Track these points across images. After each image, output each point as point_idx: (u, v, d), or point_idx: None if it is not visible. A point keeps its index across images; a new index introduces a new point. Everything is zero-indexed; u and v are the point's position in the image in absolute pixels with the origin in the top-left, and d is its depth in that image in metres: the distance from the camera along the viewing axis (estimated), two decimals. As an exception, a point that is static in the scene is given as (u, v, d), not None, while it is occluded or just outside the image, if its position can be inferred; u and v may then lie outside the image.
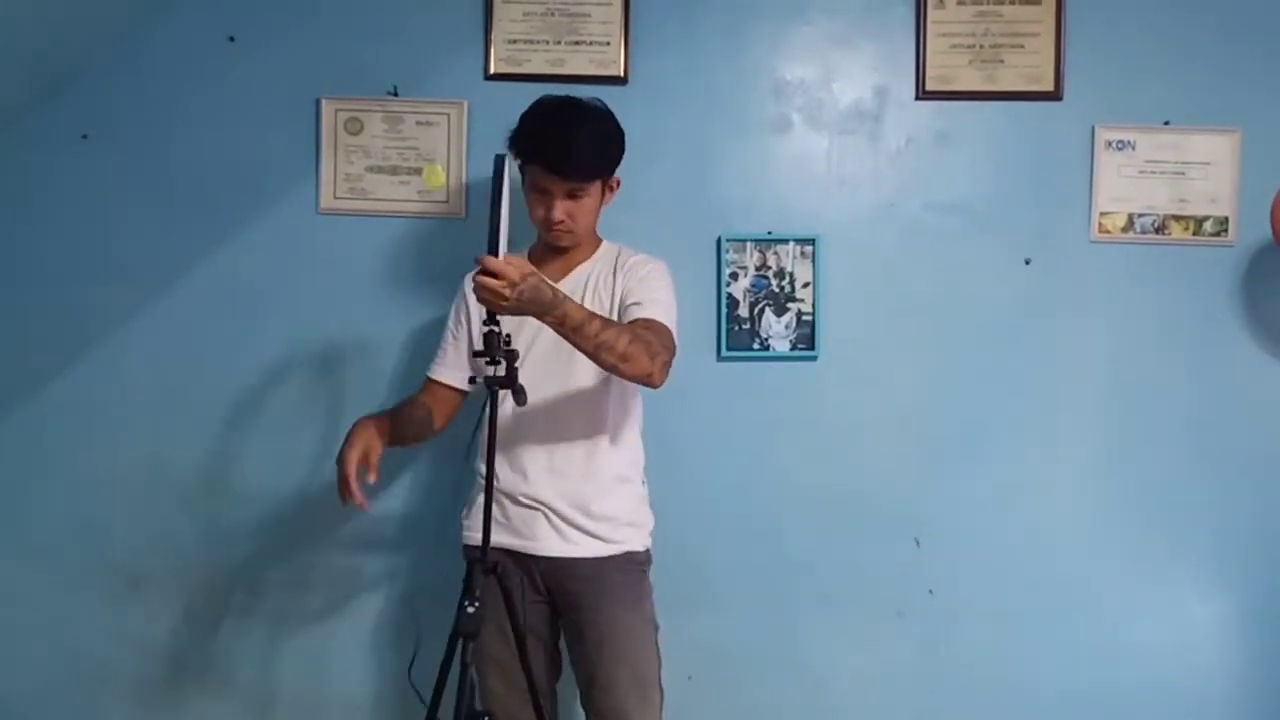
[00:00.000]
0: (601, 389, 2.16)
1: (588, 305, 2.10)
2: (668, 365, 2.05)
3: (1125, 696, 2.60)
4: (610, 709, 2.12)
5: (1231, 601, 2.61)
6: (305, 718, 2.61)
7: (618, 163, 2.19)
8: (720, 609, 2.60)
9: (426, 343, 2.55)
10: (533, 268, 1.86)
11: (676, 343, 2.11)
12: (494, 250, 1.83)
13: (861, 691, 2.61)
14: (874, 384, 2.61)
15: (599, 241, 2.26)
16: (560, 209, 2.11)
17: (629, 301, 2.12)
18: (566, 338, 1.94)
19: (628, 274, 2.17)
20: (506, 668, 2.09)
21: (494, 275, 1.79)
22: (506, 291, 1.81)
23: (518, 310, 1.86)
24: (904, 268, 2.61)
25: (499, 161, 1.86)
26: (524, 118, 2.16)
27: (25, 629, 2.61)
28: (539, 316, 1.90)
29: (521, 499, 2.14)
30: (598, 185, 2.16)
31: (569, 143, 2.08)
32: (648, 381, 2.03)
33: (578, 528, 2.13)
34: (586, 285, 2.18)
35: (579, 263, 2.22)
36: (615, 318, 2.12)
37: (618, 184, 2.22)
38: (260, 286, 2.60)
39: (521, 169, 2.15)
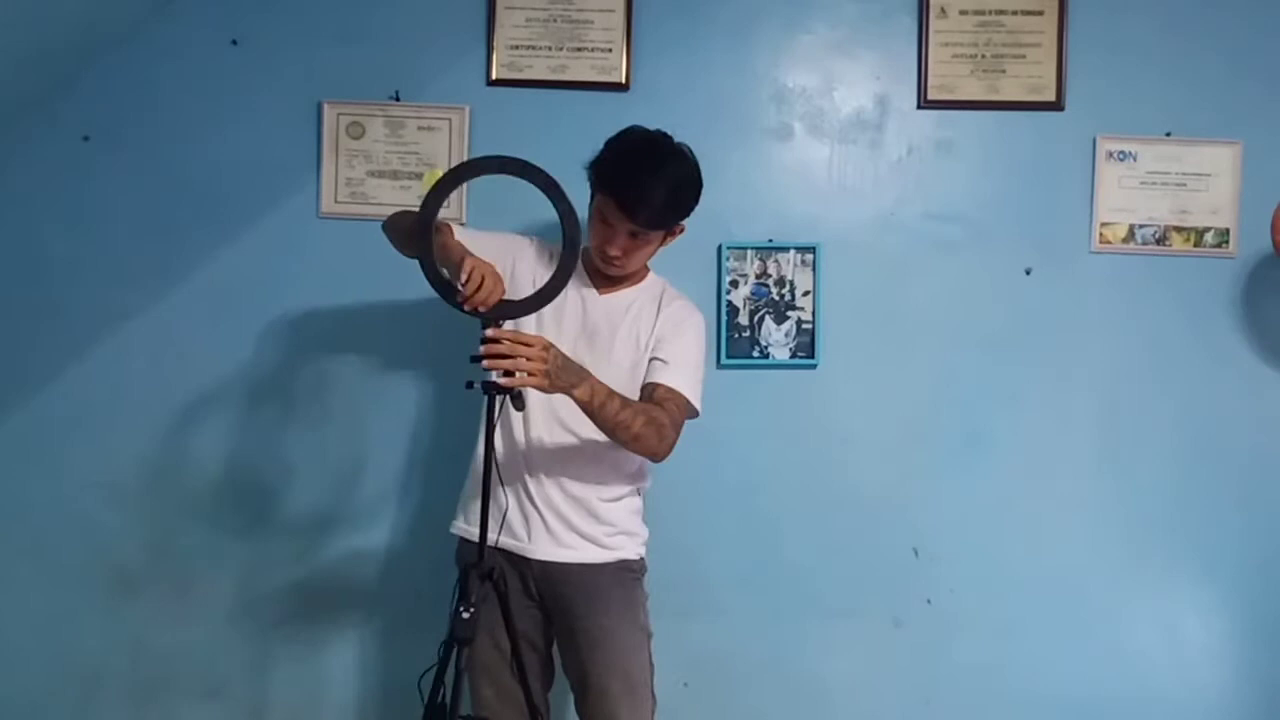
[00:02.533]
0: (625, 391, 2.14)
1: (623, 331, 2.16)
2: (674, 444, 2.11)
3: (1122, 706, 2.59)
4: (602, 716, 2.12)
5: (1228, 611, 2.60)
6: (300, 722, 2.61)
7: (688, 214, 2.17)
8: (717, 616, 2.59)
9: (426, 345, 2.55)
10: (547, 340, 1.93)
11: (698, 406, 2.16)
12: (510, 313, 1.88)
13: (858, 700, 2.61)
14: (873, 393, 2.60)
15: (647, 271, 2.26)
16: (618, 245, 2.11)
17: (658, 355, 2.15)
18: (588, 412, 1.99)
19: (667, 320, 2.18)
20: (497, 674, 2.09)
21: (522, 344, 1.87)
22: (546, 355, 1.88)
23: (554, 382, 1.91)
24: (904, 277, 2.61)
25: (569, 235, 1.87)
26: (610, 145, 2.13)
27: (21, 630, 2.60)
28: (569, 389, 1.94)
29: (524, 499, 2.13)
30: (660, 232, 2.15)
31: (645, 191, 2.06)
32: (652, 459, 2.12)
33: (576, 531, 2.13)
34: (629, 311, 2.19)
35: (624, 285, 2.22)
36: (651, 339, 2.16)
37: (681, 230, 2.20)
38: (260, 289, 2.60)
39: (593, 188, 2.13)
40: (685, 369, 2.15)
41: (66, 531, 2.60)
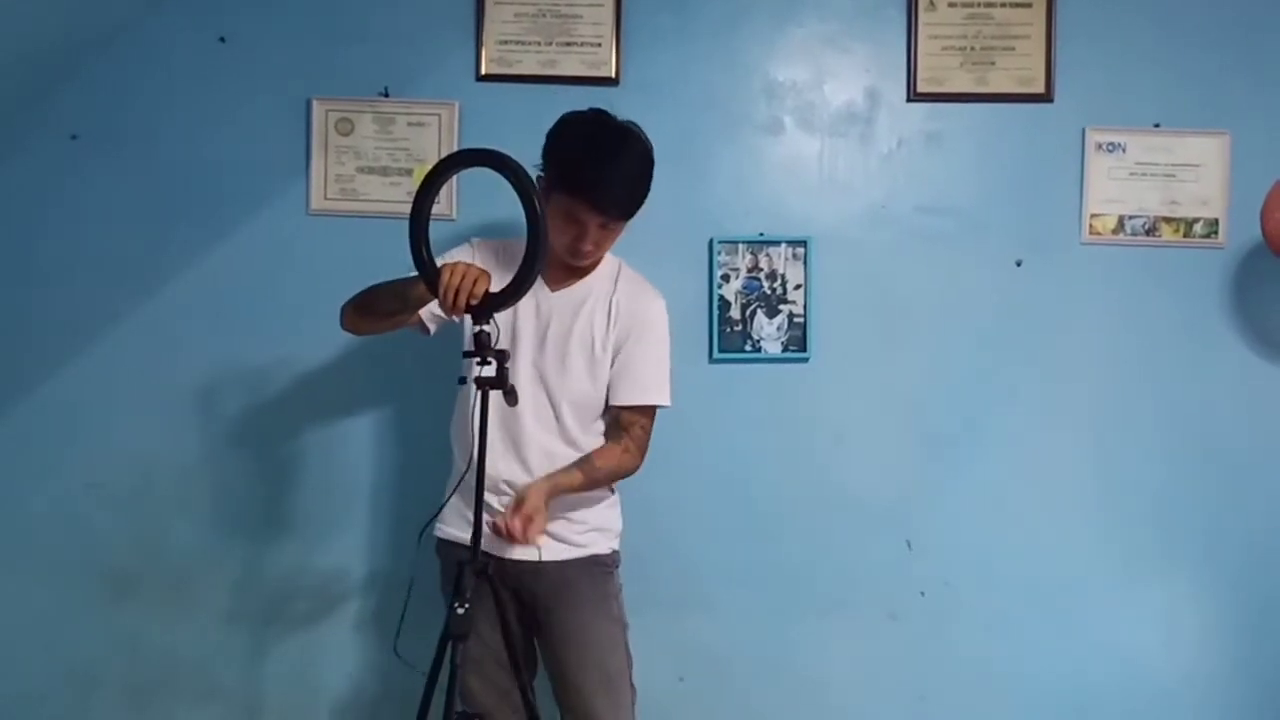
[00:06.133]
0: (583, 399, 2.16)
1: (581, 321, 2.15)
2: (641, 459, 2.19)
3: (1114, 697, 2.60)
4: (580, 709, 2.14)
5: (1222, 604, 2.61)
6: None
7: (649, 191, 2.15)
8: (712, 611, 2.59)
9: (418, 344, 2.54)
10: (534, 498, 2.02)
11: (668, 401, 2.19)
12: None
13: (853, 693, 2.61)
14: (865, 386, 2.61)
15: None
16: (591, 240, 2.09)
17: (621, 366, 2.15)
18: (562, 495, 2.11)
19: (624, 313, 2.16)
20: (483, 665, 2.10)
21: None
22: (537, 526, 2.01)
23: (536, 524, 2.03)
24: (896, 270, 2.61)
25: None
26: (565, 144, 2.08)
27: (17, 631, 2.60)
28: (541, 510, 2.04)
29: (491, 503, 2.12)
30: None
31: (612, 185, 2.04)
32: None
33: (547, 533, 2.12)
34: (583, 306, 2.17)
35: (582, 275, 2.20)
36: (610, 338, 2.15)
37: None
38: (250, 287, 2.59)
39: (549, 187, 2.08)
40: (653, 381, 2.17)
41: (61, 532, 2.59)
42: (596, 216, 2.06)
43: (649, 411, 2.18)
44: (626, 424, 2.16)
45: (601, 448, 2.16)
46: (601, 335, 2.16)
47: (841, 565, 2.61)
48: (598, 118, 2.13)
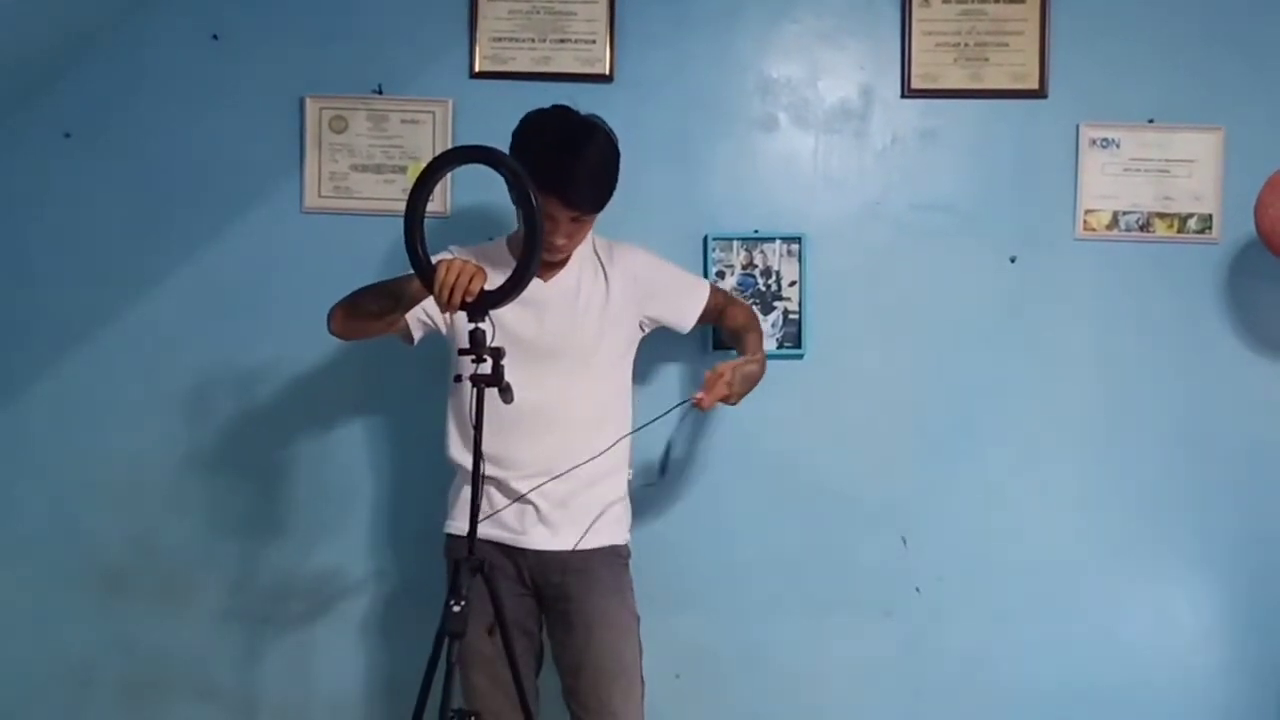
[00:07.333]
0: (598, 386, 2.18)
1: (582, 306, 2.19)
2: (741, 301, 2.48)
3: (1112, 694, 2.60)
4: (594, 698, 2.14)
5: (1217, 598, 2.62)
6: (291, 718, 2.60)
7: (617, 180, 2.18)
8: (708, 608, 2.60)
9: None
10: (731, 364, 2.17)
11: (704, 281, 2.42)
12: None
13: (849, 690, 2.61)
14: (860, 382, 2.61)
15: None
16: (563, 234, 2.12)
17: (667, 308, 2.30)
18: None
19: (625, 277, 2.22)
20: (491, 663, 2.10)
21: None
22: (725, 390, 2.13)
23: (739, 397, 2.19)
24: (890, 266, 2.61)
25: None
26: (530, 142, 2.09)
27: (11, 631, 2.60)
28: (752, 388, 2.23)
29: (519, 487, 2.13)
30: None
31: (583, 177, 2.07)
32: None
33: (569, 521, 2.15)
34: (579, 292, 2.20)
35: (564, 263, 2.22)
36: (619, 309, 2.22)
37: None
38: (244, 285, 2.59)
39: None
40: (688, 286, 2.34)
41: (55, 532, 2.59)
42: (568, 211, 2.08)
43: (712, 295, 2.35)
44: (718, 313, 2.36)
45: (736, 325, 2.37)
46: (600, 303, 2.20)
47: (837, 562, 2.61)
48: (560, 113, 2.15)
